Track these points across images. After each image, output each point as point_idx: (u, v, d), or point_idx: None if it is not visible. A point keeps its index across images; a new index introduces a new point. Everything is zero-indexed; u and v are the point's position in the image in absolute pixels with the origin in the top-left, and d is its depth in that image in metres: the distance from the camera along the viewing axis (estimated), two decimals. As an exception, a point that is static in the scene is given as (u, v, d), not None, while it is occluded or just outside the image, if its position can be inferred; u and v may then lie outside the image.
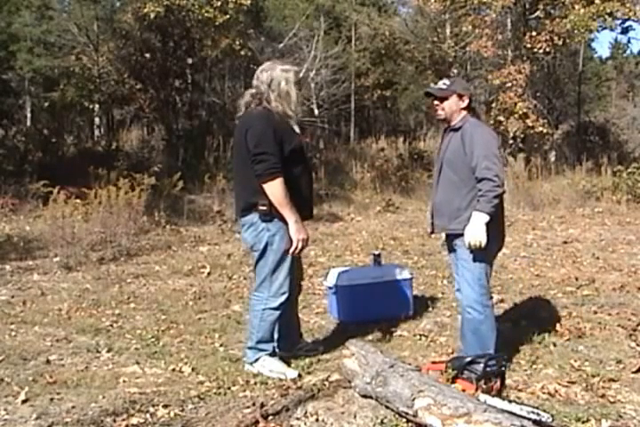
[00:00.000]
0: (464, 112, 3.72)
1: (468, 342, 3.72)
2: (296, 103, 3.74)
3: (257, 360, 3.81)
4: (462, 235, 3.57)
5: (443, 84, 3.76)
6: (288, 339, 4.03)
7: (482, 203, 3.49)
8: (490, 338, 3.68)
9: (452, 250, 3.79)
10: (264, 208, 3.61)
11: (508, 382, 3.57)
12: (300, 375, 3.71)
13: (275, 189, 3.56)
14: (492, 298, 3.84)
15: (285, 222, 3.65)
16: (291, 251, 3.67)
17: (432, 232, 3.91)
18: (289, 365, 3.84)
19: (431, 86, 4.01)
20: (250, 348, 3.86)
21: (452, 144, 3.67)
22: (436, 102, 3.75)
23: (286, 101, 3.71)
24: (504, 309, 5.15)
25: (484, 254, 3.60)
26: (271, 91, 3.70)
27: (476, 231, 3.48)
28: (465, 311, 3.71)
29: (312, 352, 4.09)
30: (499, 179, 3.47)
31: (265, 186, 3.57)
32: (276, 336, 3.87)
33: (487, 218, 3.48)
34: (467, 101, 3.71)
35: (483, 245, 3.49)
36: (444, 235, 3.88)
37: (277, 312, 3.78)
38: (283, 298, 3.76)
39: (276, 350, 3.87)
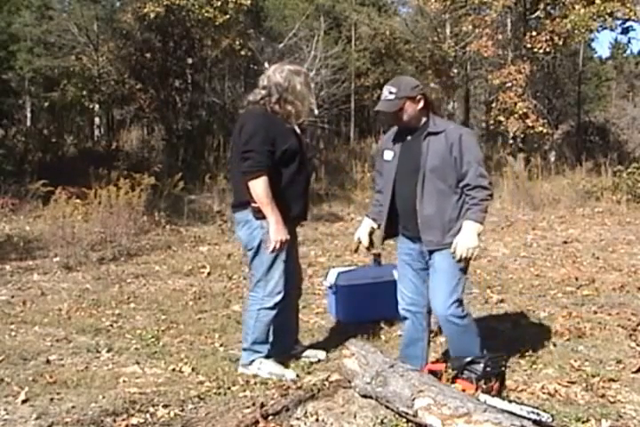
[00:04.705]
0: (425, 112, 3.40)
1: (455, 349, 3.57)
2: (309, 105, 3.72)
3: (252, 363, 3.76)
4: (449, 246, 3.35)
5: (389, 92, 3.34)
6: (280, 344, 3.89)
7: (476, 212, 3.29)
8: (474, 345, 3.50)
9: (418, 260, 3.61)
10: (256, 205, 3.59)
11: (508, 382, 3.57)
12: (298, 376, 3.69)
13: (257, 187, 3.53)
14: (465, 311, 3.54)
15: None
16: (268, 251, 3.62)
17: (385, 238, 3.79)
18: (286, 366, 3.82)
19: (381, 100, 3.39)
20: (245, 349, 3.81)
21: (434, 149, 3.33)
22: (392, 116, 3.39)
23: (301, 103, 3.67)
24: (504, 309, 5.15)
25: (465, 265, 3.43)
26: (285, 93, 3.64)
27: (469, 242, 3.27)
28: (442, 323, 3.51)
29: (310, 358, 3.99)
30: (491, 187, 3.33)
31: (249, 184, 3.55)
32: (270, 339, 3.79)
33: (481, 228, 3.32)
34: (422, 101, 3.37)
35: (474, 256, 3.34)
36: (403, 241, 3.74)
37: (273, 312, 3.74)
38: (278, 298, 3.72)
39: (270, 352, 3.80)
